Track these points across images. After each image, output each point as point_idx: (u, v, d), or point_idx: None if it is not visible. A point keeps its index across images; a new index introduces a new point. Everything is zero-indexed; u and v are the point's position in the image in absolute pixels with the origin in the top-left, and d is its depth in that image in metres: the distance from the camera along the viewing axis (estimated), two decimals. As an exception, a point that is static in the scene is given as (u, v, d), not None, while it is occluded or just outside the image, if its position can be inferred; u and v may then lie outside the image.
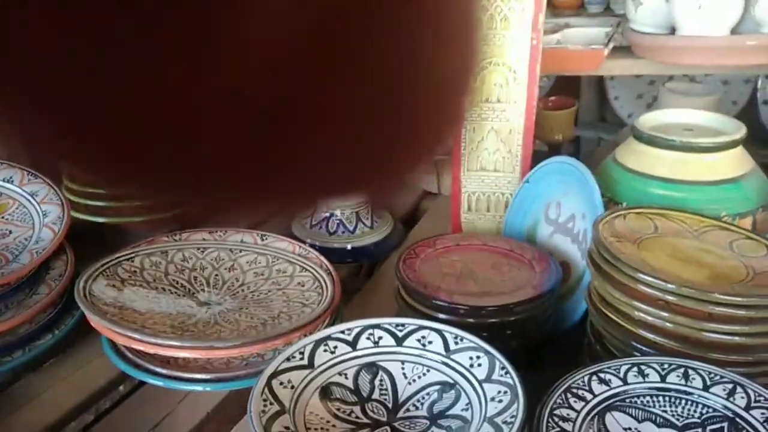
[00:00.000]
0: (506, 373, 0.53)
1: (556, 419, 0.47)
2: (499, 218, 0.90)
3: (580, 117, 1.44)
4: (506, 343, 0.63)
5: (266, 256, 0.80)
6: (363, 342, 0.59)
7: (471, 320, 0.65)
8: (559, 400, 0.49)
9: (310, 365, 0.56)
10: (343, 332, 0.59)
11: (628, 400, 0.50)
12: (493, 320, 0.66)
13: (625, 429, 0.48)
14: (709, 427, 0.47)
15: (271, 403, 0.51)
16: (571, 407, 0.49)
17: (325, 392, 0.55)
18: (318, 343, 0.58)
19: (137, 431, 0.62)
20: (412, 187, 1.17)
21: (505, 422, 0.48)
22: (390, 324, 0.60)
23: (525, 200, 0.86)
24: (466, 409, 0.52)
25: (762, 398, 0.47)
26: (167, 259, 0.76)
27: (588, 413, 0.48)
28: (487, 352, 0.56)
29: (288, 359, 0.56)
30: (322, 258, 0.78)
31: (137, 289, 0.69)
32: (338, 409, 0.53)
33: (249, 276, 0.77)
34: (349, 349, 0.58)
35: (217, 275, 0.77)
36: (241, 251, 0.80)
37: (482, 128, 0.87)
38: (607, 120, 1.60)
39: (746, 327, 0.53)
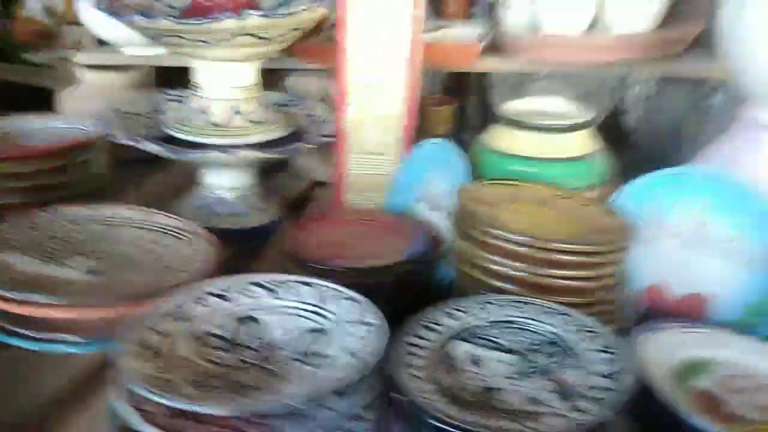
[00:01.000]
0: (375, 315, 0.58)
1: (408, 345, 0.52)
2: (382, 198, 0.96)
3: (468, 120, 1.53)
4: (385, 302, 0.68)
5: (143, 229, 0.81)
6: (238, 296, 0.62)
7: (350, 281, 0.69)
8: (411, 332, 0.54)
9: (185, 318, 0.58)
10: (220, 287, 0.62)
11: (474, 332, 0.56)
12: (370, 280, 0.71)
13: (469, 355, 0.54)
14: (543, 349, 0.54)
15: (144, 350, 0.53)
16: (422, 337, 0.54)
17: (200, 342, 0.57)
18: (192, 298, 0.60)
19: (7, 396, 0.61)
20: (300, 176, 1.21)
21: (367, 355, 0.52)
22: (265, 279, 0.64)
23: (403, 180, 0.92)
24: (335, 350, 0.56)
25: (584, 326, 0.54)
26: (39, 229, 0.76)
27: (438, 342, 0.54)
28: (356, 300, 0.60)
29: (163, 310, 0.58)
30: (203, 230, 0.80)
31: (10, 253, 0.69)
32: (213, 356, 0.56)
33: (125, 246, 0.78)
34: (224, 303, 0.61)
35: (92, 246, 0.77)
36: (117, 225, 0.81)
37: (365, 111, 0.92)
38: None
39: (584, 271, 0.61)
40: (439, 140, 0.88)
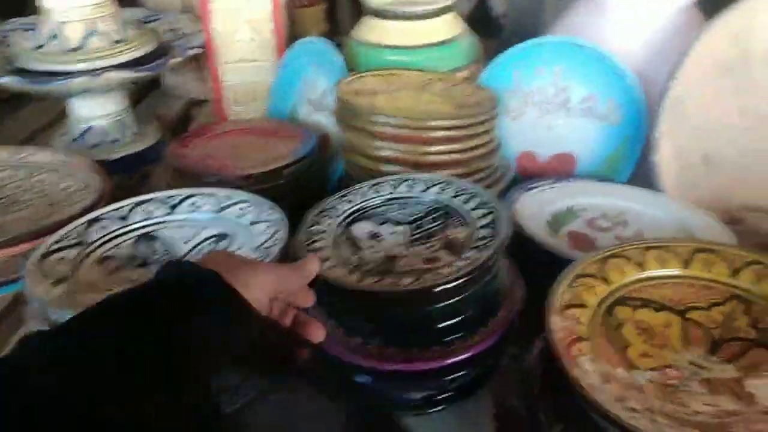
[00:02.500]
0: (273, 210, 0.60)
1: (311, 232, 0.56)
2: (264, 106, 0.96)
3: (341, 24, 1.52)
4: (281, 205, 0.70)
5: (24, 169, 0.77)
6: (135, 216, 0.62)
7: (244, 189, 0.71)
8: (312, 221, 0.58)
9: (84, 243, 0.58)
10: (114, 210, 0.62)
11: (369, 211, 0.60)
12: (265, 185, 0.72)
13: (368, 232, 0.58)
14: (430, 216, 0.59)
15: (50, 279, 0.53)
16: (322, 223, 0.58)
17: (103, 262, 0.57)
18: (90, 223, 0.60)
19: None
20: (177, 96, 1.17)
21: (272, 245, 0.55)
22: (160, 196, 0.64)
23: (283, 84, 0.92)
24: (240, 249, 0.58)
25: (462, 189, 0.60)
26: None
27: (338, 226, 0.58)
28: (254, 202, 0.62)
29: (59, 240, 0.57)
30: (83, 160, 0.77)
31: None
32: (119, 277, 0.56)
33: (8, 190, 0.74)
34: (122, 223, 0.61)
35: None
36: (-3, 168, 0.77)
37: (233, 19, 0.90)
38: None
39: (457, 144, 0.66)
40: (311, 39, 0.88)
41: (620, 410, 0.38)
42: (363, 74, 0.77)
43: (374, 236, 0.57)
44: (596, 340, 0.46)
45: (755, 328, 0.47)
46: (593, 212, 0.71)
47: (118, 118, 0.94)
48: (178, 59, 0.90)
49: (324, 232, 0.57)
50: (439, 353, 0.50)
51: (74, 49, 0.87)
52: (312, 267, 0.45)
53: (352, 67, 0.85)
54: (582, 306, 0.48)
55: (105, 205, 0.64)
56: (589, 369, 0.42)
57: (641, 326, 0.48)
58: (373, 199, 0.61)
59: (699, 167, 0.75)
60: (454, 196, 0.60)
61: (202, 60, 1.05)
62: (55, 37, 0.86)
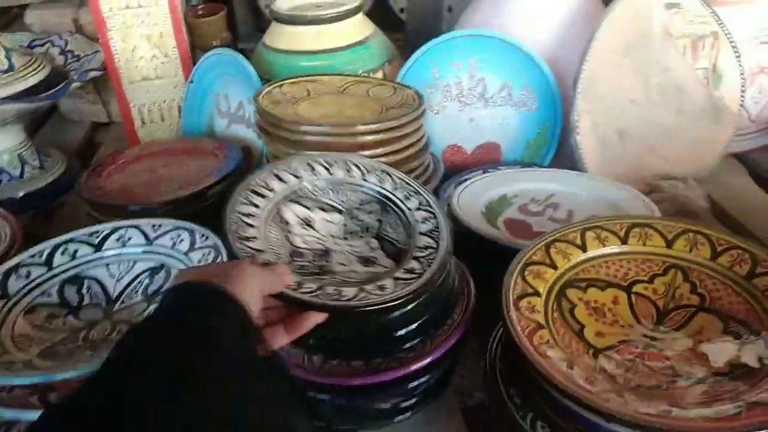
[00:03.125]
0: (206, 238, 0.57)
1: (241, 216, 0.50)
2: (176, 124, 0.92)
3: (239, 31, 1.48)
4: (209, 226, 0.67)
5: None
6: (59, 259, 0.58)
7: (170, 216, 0.67)
8: (241, 199, 0.52)
9: (5, 295, 0.53)
10: (33, 256, 0.57)
11: (302, 195, 0.55)
12: (191, 209, 0.69)
13: (299, 217, 0.54)
14: (365, 206, 0.56)
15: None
16: (253, 204, 0.52)
17: (33, 312, 0.53)
18: (8, 273, 0.55)
19: None
20: (77, 120, 1.10)
21: None
22: (83, 235, 0.60)
23: (194, 100, 0.88)
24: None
25: (402, 181, 0.58)
26: None
27: (269, 208, 0.52)
28: (185, 229, 0.59)
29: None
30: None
31: None
32: (48, 323, 0.52)
33: None
34: (44, 269, 0.57)
35: None
36: None
37: (131, 36, 0.86)
38: (264, 30, 1.67)
39: (388, 147, 0.66)
40: (218, 51, 0.85)
41: (590, 392, 0.39)
42: (280, 83, 0.75)
43: (306, 223, 0.53)
44: (553, 327, 0.47)
45: (696, 294, 0.49)
46: (524, 198, 0.73)
47: (18, 152, 0.87)
48: (78, 84, 0.84)
49: (253, 216, 0.51)
50: (399, 362, 0.49)
51: (-42, 84, 0.79)
52: (287, 278, 0.44)
53: (264, 75, 0.83)
54: (535, 294, 0.49)
55: (19, 251, 0.59)
56: (552, 356, 0.43)
57: (591, 306, 0.50)
58: (308, 180, 0.56)
59: (615, 143, 0.78)
60: (394, 190, 0.57)
61: (99, 81, 0.99)
62: (-66, 72, 0.79)
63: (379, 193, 0.57)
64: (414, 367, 0.49)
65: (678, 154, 0.80)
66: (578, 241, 0.53)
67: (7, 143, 0.86)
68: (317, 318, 0.44)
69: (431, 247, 0.52)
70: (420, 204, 0.56)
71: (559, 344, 0.45)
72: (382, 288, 0.47)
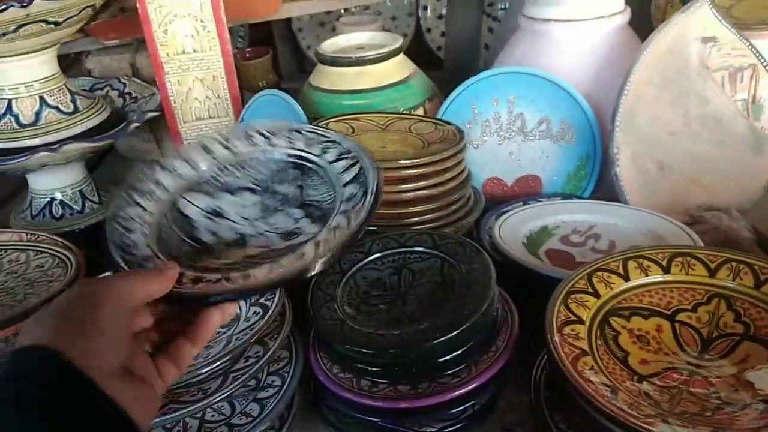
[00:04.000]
0: None
1: (121, 221, 0.47)
2: (225, 162, 0.96)
3: (282, 71, 1.54)
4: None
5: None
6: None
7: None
8: (123, 202, 0.47)
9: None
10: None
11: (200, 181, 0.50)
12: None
13: (201, 208, 0.48)
14: (280, 174, 0.50)
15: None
16: (138, 205, 0.47)
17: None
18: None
19: None
20: (133, 158, 1.16)
21: None
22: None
23: (243, 138, 0.92)
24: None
25: (315, 134, 0.50)
26: None
27: (162, 209, 0.47)
28: None
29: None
30: (53, 236, 0.76)
31: None
32: None
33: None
34: None
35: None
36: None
37: (186, 79, 0.91)
38: (306, 70, 1.73)
39: (430, 180, 0.68)
40: (268, 92, 0.89)
41: (636, 417, 0.40)
42: (326, 121, 0.79)
43: (214, 213, 0.47)
44: (597, 354, 0.47)
45: (740, 322, 0.49)
46: (565, 229, 0.74)
47: (79, 188, 0.93)
48: (137, 124, 0.90)
49: (139, 219, 0.45)
50: (443, 387, 0.50)
51: (28, 125, 0.85)
52: (173, 272, 0.39)
53: (311, 114, 0.87)
54: (578, 322, 0.49)
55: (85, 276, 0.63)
56: (596, 381, 0.44)
57: (635, 334, 0.50)
58: (206, 164, 0.48)
59: (655, 174, 0.79)
60: (308, 148, 0.49)
61: (152, 121, 1.04)
62: (7, 114, 0.85)
63: (292, 155, 0.49)
64: (458, 392, 0.50)
65: (720, 185, 0.80)
66: (620, 270, 0.54)
67: (69, 180, 0.91)
68: (223, 312, 0.39)
69: (356, 196, 0.44)
70: (340, 154, 0.49)
71: (603, 371, 0.45)
72: (301, 256, 0.40)
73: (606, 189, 0.82)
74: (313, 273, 0.39)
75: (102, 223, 0.92)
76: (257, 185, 0.48)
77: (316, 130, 0.51)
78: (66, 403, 0.31)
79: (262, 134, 0.50)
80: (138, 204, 0.46)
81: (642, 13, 0.88)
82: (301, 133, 0.50)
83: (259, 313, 0.58)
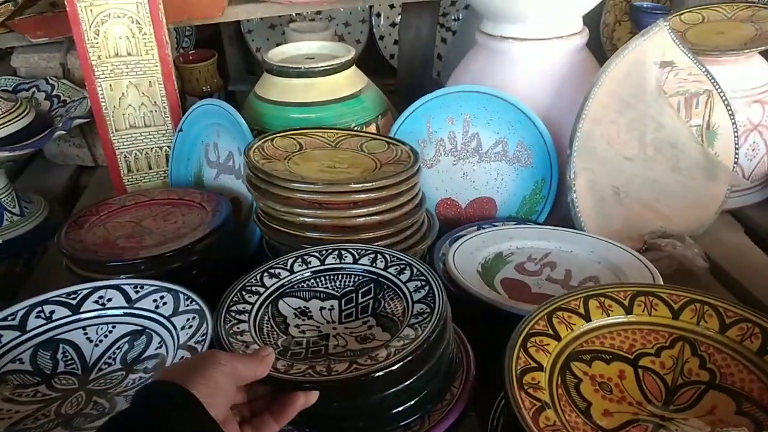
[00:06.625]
0: (192, 302, 0.55)
1: (233, 314, 0.52)
2: (163, 173, 0.89)
3: (230, 73, 1.47)
4: (195, 282, 0.64)
5: None
6: (33, 322, 0.55)
7: (153, 271, 0.65)
8: (235, 299, 0.53)
9: (-28, 363, 0.50)
10: (5, 318, 0.54)
11: (296, 286, 0.56)
12: (176, 264, 0.66)
13: (295, 309, 0.55)
14: (360, 290, 0.56)
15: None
16: (246, 302, 0.53)
17: (4, 384, 0.50)
18: (-25, 338, 0.52)
19: None
20: (61, 164, 1.07)
21: (197, 342, 0.50)
22: (61, 295, 0.57)
23: (183, 148, 0.86)
24: (160, 347, 0.53)
25: (395, 258, 0.58)
26: None
27: (261, 304, 0.54)
28: (170, 290, 0.57)
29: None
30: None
31: None
32: (17, 394, 0.49)
33: None
34: (17, 333, 0.53)
35: None
36: None
37: (119, 85, 0.84)
38: (255, 73, 1.66)
39: (382, 205, 0.64)
40: (209, 101, 0.83)
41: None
42: (271, 136, 0.74)
43: (303, 313, 0.54)
44: (559, 405, 0.44)
45: (705, 369, 0.47)
46: (520, 256, 0.71)
47: (-3, 199, 0.84)
48: (62, 131, 0.82)
49: (245, 312, 0.52)
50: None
51: (-63, 131, 0.77)
52: (269, 358, 0.44)
53: (255, 126, 0.81)
54: (539, 369, 0.46)
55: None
56: (559, 439, 0.41)
57: (598, 381, 0.47)
58: (300, 273, 0.57)
59: (611, 200, 0.77)
60: (386, 267, 0.57)
61: (85, 125, 0.97)
62: None
63: (372, 272, 0.57)
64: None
65: (675, 211, 0.79)
66: (581, 310, 0.51)
67: (-11, 188, 0.83)
68: (306, 398, 0.43)
69: (425, 313, 0.50)
70: (412, 275, 0.55)
71: (566, 426, 0.42)
72: (374, 358, 0.46)
73: (560, 213, 0.80)
74: (383, 373, 0.44)
75: (23, 237, 0.85)
76: (339, 293, 0.56)
77: (396, 254, 0.58)
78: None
79: (350, 252, 0.59)
80: (245, 301, 0.54)
81: (590, 30, 0.86)
82: (383, 255, 0.58)
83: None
